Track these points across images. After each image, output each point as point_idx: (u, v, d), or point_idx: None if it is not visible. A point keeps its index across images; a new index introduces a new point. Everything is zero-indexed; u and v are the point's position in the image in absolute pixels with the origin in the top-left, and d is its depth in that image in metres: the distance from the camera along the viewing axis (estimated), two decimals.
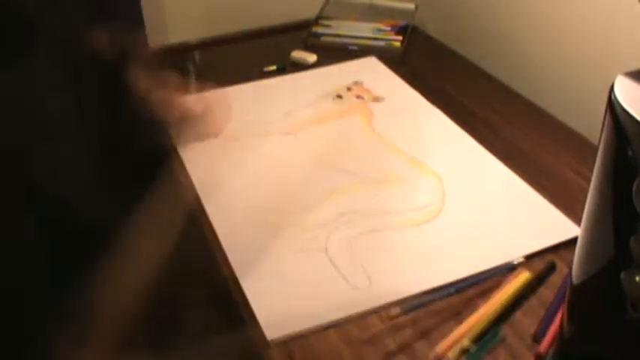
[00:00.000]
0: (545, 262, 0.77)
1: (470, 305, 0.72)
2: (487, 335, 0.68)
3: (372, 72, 1.19)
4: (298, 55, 1.23)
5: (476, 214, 0.84)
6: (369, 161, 0.95)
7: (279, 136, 1.01)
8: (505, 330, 0.69)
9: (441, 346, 0.67)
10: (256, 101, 1.09)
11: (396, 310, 0.70)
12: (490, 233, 0.81)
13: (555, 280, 0.75)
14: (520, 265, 0.76)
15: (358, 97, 1.11)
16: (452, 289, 0.73)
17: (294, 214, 0.85)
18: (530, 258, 0.77)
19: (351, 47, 1.27)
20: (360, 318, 0.71)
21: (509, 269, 0.76)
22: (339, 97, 1.11)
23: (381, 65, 1.21)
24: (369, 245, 0.80)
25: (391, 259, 0.78)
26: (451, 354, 0.66)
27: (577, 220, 0.81)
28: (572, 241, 0.77)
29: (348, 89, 1.13)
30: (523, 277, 0.74)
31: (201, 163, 0.95)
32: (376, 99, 1.10)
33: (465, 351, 0.66)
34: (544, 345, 0.67)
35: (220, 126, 0.97)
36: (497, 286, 0.73)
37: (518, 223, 0.83)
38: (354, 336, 0.69)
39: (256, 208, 0.87)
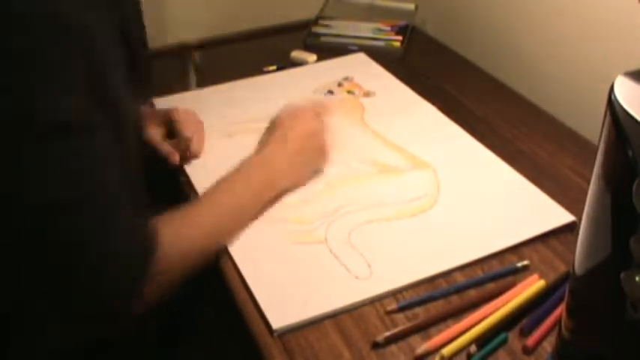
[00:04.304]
0: (545, 262, 0.77)
1: (469, 306, 0.72)
2: (493, 340, 0.67)
3: (362, 68, 1.20)
4: (298, 55, 1.23)
5: (470, 204, 0.86)
6: (364, 155, 0.96)
7: None
8: None
9: (434, 341, 0.67)
10: (249, 98, 1.10)
11: (392, 306, 0.71)
12: (485, 222, 0.82)
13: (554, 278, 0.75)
14: (524, 268, 0.76)
15: (349, 92, 1.12)
16: (451, 290, 0.73)
17: (292, 207, 0.86)
18: (530, 259, 0.78)
19: (351, 47, 1.27)
20: (360, 308, 0.72)
21: (510, 272, 0.76)
22: (331, 92, 1.12)
23: (370, 61, 1.22)
24: (368, 236, 0.81)
25: (390, 249, 0.79)
26: (446, 352, 0.66)
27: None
28: (572, 241, 0.77)
29: (339, 85, 1.14)
30: (537, 285, 0.73)
31: (198, 160, 0.95)
32: (367, 94, 1.11)
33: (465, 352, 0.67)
34: (532, 339, 0.67)
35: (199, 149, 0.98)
36: (499, 288, 0.73)
37: (512, 212, 0.84)
38: (352, 330, 0.69)
39: None
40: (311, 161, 0.89)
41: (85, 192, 0.64)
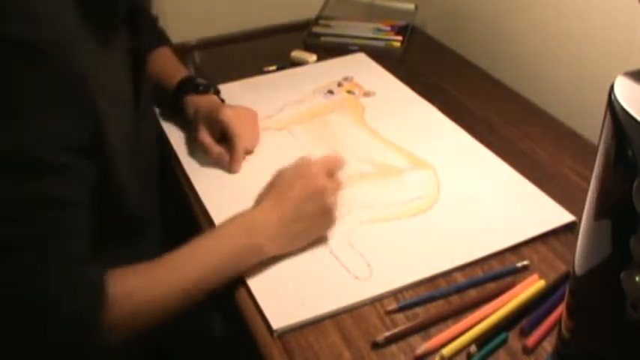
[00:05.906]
0: (545, 262, 0.77)
1: (469, 306, 0.72)
2: (494, 340, 0.67)
3: (362, 68, 1.20)
4: (298, 55, 1.23)
5: (471, 203, 0.86)
6: (364, 154, 0.96)
7: (273, 132, 1.02)
8: None
9: (434, 341, 0.67)
10: (249, 98, 1.10)
11: (392, 306, 0.71)
12: (485, 221, 0.83)
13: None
14: (524, 268, 0.76)
15: (349, 92, 1.12)
16: (451, 290, 0.73)
17: None
18: (530, 259, 0.78)
19: (351, 47, 1.27)
20: (360, 308, 0.72)
21: (510, 272, 0.76)
22: (331, 92, 1.12)
23: (370, 61, 1.22)
24: (368, 236, 0.81)
25: (390, 250, 0.79)
26: (446, 352, 0.66)
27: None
28: (572, 241, 0.77)
29: (339, 85, 1.14)
30: (537, 285, 0.73)
31: (198, 161, 0.95)
32: (367, 93, 1.12)
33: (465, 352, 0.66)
34: (533, 339, 0.67)
35: (250, 145, 0.97)
36: (499, 288, 0.73)
37: (512, 212, 0.84)
38: (352, 330, 0.69)
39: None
40: (310, 228, 0.78)
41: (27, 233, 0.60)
